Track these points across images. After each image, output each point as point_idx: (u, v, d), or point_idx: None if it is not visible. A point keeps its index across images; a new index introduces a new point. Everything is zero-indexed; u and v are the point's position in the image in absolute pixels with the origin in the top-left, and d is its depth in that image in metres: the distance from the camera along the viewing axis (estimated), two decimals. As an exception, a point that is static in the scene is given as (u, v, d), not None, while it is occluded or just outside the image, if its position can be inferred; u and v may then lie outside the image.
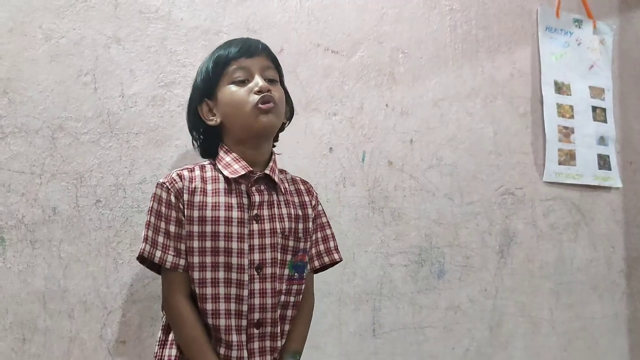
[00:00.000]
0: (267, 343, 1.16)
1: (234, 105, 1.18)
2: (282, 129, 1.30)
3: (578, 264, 2.11)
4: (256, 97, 1.16)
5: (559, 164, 2.11)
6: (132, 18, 1.45)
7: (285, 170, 1.31)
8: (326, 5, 1.74)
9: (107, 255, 1.36)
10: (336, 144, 1.71)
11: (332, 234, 1.33)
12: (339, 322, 1.65)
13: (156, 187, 1.18)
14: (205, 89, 1.22)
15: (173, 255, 1.14)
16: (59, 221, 1.32)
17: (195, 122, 1.25)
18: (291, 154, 1.57)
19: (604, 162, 2.21)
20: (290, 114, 1.31)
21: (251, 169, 1.18)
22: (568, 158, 2.13)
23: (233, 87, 1.18)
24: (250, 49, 1.21)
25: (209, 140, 1.26)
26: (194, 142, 1.29)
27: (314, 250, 1.29)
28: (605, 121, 2.24)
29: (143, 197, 1.41)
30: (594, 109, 2.23)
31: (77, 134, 1.36)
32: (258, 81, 1.18)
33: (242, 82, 1.19)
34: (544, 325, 2.01)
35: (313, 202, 1.29)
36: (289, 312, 1.21)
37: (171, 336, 1.17)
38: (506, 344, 1.93)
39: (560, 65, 2.17)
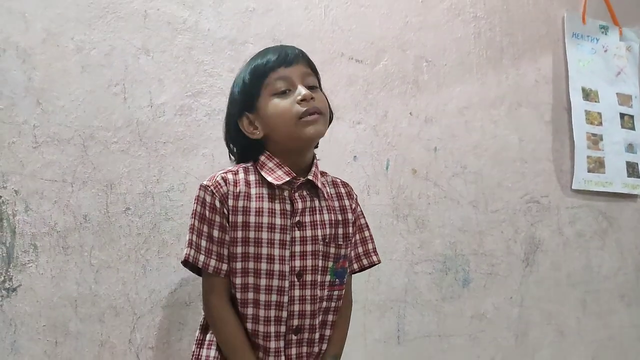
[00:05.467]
0: (305, 349, 1.16)
1: (279, 118, 1.15)
2: None
3: (605, 272, 2.09)
4: (301, 109, 1.14)
5: (588, 171, 2.09)
6: (160, 29, 1.48)
7: (325, 173, 1.29)
8: (350, 14, 1.75)
9: (137, 262, 1.39)
10: (360, 152, 1.71)
11: (371, 235, 1.31)
12: (363, 330, 1.65)
13: (199, 189, 1.16)
14: (245, 101, 1.19)
15: (216, 260, 1.14)
16: (90, 228, 1.35)
17: (235, 136, 1.23)
18: (316, 161, 1.59)
19: (632, 170, 2.18)
20: (330, 118, 1.27)
21: (295, 175, 1.17)
22: (597, 165, 2.11)
23: (276, 100, 1.16)
24: (288, 58, 1.19)
25: (249, 153, 1.23)
26: (231, 155, 1.27)
27: (352, 253, 1.27)
28: (633, 128, 2.22)
29: (171, 204, 1.43)
30: (622, 116, 2.21)
31: (108, 143, 1.39)
32: (301, 90, 1.15)
33: (284, 93, 1.16)
34: (571, 334, 1.99)
35: (353, 206, 1.28)
36: (330, 317, 1.21)
37: (209, 336, 1.18)
38: (532, 353, 1.91)
39: (587, 71, 2.16)
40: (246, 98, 1.19)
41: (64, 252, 1.33)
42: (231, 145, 1.26)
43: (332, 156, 1.66)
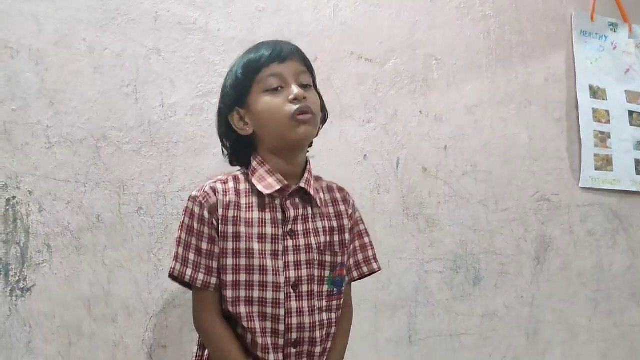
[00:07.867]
0: None
1: (270, 116, 1.12)
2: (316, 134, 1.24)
3: (616, 271, 2.08)
4: (293, 107, 1.10)
5: (596, 169, 2.08)
6: (171, 30, 1.49)
7: (320, 177, 1.25)
8: (360, 14, 1.75)
9: (149, 261, 1.39)
10: (370, 151, 1.71)
11: (370, 242, 1.27)
12: (374, 329, 1.65)
13: (188, 200, 1.14)
14: (236, 96, 1.16)
15: (204, 274, 1.10)
16: (103, 228, 1.36)
17: (226, 130, 1.19)
18: (326, 161, 1.59)
19: (642, 168, 2.17)
20: (324, 118, 1.23)
21: (286, 182, 1.13)
22: (605, 163, 2.10)
23: (267, 97, 1.12)
24: (283, 54, 1.14)
25: (239, 149, 1.20)
26: (223, 149, 1.23)
27: (352, 260, 1.24)
28: (642, 126, 2.21)
29: (182, 204, 1.40)
30: (631, 113, 2.19)
31: (120, 144, 1.40)
32: (293, 89, 1.12)
33: (276, 90, 1.12)
34: (582, 333, 1.98)
35: (349, 211, 1.23)
36: (332, 330, 1.17)
37: (207, 352, 1.15)
38: (543, 352, 1.91)
39: (595, 69, 2.15)
40: (237, 93, 1.16)
41: (77, 252, 1.33)
42: (224, 140, 1.22)
43: (342, 155, 1.66)
